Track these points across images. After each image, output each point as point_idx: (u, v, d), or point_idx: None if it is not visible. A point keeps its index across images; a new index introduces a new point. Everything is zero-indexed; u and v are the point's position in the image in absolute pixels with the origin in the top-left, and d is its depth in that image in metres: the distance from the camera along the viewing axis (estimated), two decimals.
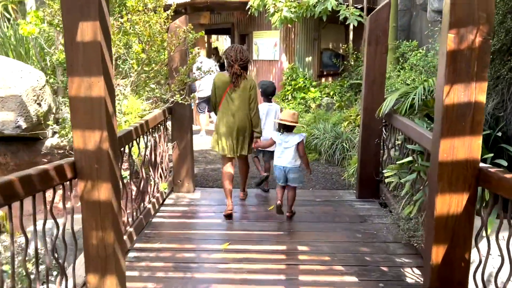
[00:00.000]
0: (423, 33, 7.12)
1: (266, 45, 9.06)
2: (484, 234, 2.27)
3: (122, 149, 3.20)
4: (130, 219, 3.39)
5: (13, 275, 1.89)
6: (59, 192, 2.32)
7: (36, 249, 2.10)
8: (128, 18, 4.14)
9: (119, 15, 4.42)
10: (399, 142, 3.86)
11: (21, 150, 4.54)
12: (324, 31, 9.29)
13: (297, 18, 7.13)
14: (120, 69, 4.29)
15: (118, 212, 2.52)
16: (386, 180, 3.98)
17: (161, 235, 3.63)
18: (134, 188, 3.69)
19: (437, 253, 2.32)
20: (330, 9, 6.45)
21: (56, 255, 2.27)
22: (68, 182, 2.35)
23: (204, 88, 7.51)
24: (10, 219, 1.88)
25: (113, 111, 2.43)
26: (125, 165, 3.72)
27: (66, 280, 2.35)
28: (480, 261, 2.29)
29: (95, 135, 2.33)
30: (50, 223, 2.35)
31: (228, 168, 4.13)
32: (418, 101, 3.71)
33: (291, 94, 8.16)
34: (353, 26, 8.13)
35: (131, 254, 3.20)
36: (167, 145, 4.50)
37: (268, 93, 4.75)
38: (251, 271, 2.99)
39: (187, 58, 4.34)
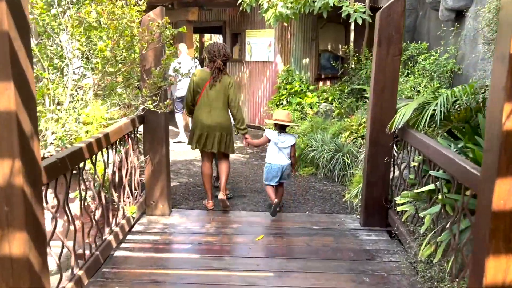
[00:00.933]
0: (431, 34, 6.46)
1: (260, 45, 8.36)
2: None
3: (82, 165, 2.61)
4: (80, 260, 2.68)
5: None
6: None
7: None
8: (92, 9, 3.43)
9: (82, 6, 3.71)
10: (416, 163, 3.18)
11: None
12: (322, 31, 8.60)
13: (294, 15, 6.42)
14: (83, 70, 3.58)
15: (42, 270, 1.81)
16: (399, 209, 3.31)
17: (122, 275, 2.93)
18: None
19: None
20: (331, 4, 5.75)
21: None
22: None
23: (182, 87, 6.95)
24: None
25: (33, 131, 1.72)
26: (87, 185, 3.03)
27: None
28: None
29: (2, 165, 1.63)
30: None
31: (207, 168, 4.20)
32: (440, 114, 3.04)
33: (286, 99, 7.46)
34: (354, 25, 7.50)
35: None
36: (137, 160, 3.79)
37: None
38: None
39: (163, 58, 3.65)
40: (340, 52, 8.98)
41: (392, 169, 3.72)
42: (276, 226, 3.83)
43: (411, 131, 3.28)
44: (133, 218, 3.68)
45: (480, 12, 4.20)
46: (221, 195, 4.09)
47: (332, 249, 3.37)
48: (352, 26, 7.52)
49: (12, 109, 1.59)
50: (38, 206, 1.77)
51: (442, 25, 5.39)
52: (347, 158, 4.98)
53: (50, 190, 2.18)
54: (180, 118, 7.35)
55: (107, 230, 3.16)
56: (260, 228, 3.78)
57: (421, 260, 2.80)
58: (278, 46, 7.98)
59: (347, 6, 5.89)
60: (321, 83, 8.89)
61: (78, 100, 3.42)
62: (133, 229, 3.66)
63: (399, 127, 3.28)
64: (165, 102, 3.56)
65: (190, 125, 4.56)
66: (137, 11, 3.54)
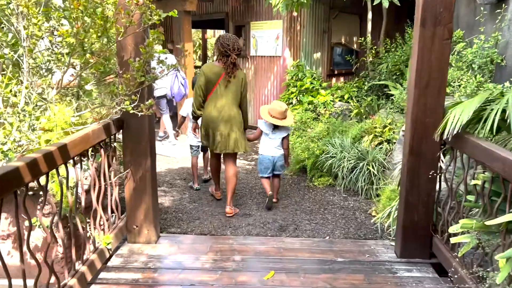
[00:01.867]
0: (463, 20, 5.62)
1: (266, 38, 7.55)
2: None
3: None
4: None
5: None
6: None
7: None
8: None
9: None
10: (478, 182, 2.37)
11: None
12: (335, 22, 7.79)
13: (305, 3, 5.64)
14: (37, 63, 2.81)
15: None
16: (453, 240, 2.49)
17: None
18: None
19: None
20: None
21: None
22: None
23: (163, 85, 6.32)
24: None
25: None
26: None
27: None
28: None
29: None
30: None
31: (214, 164, 4.11)
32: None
33: (296, 98, 6.64)
34: (371, 16, 6.68)
35: None
36: (115, 176, 3.02)
37: None
38: None
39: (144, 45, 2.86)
40: (355, 46, 8.18)
41: (438, 186, 2.91)
42: (290, 257, 3.03)
43: (469, 137, 2.47)
44: (109, 250, 2.91)
45: None
46: (228, 209, 3.88)
47: None
48: (370, 15, 6.70)
49: None
50: None
51: (482, 8, 4.56)
52: (372, 167, 4.16)
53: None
54: (167, 119, 6.63)
55: (67, 274, 2.38)
56: (269, 261, 2.98)
57: None
58: (287, 39, 7.18)
59: None
60: (334, 80, 8.09)
61: (34, 101, 2.64)
62: (109, 263, 2.89)
63: (454, 132, 2.47)
64: (146, 102, 2.78)
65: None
66: None
